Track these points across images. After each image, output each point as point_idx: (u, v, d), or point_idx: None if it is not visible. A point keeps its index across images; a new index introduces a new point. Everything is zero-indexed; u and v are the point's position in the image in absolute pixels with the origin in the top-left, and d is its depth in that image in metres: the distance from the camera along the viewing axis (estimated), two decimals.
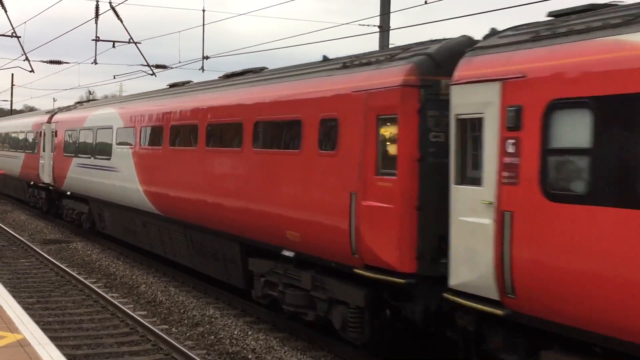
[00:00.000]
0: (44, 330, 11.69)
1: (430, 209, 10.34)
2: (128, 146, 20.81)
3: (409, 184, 10.43)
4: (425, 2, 17.43)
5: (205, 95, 16.82)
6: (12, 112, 70.06)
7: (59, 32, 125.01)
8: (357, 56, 12.54)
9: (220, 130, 15.70)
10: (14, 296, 14.11)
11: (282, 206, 13.08)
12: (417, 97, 10.43)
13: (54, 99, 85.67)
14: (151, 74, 29.68)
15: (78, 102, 31.40)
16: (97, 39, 28.31)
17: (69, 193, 27.14)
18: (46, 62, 34.01)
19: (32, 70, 32.40)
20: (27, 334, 10.55)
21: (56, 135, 28.74)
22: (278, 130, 13.65)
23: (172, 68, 29.99)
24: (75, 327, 14.57)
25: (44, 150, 30.43)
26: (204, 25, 28.03)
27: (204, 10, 28.16)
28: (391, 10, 22.00)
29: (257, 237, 14.05)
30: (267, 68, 16.25)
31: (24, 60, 31.59)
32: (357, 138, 11.25)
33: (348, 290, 11.64)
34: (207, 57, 27.60)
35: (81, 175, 25.23)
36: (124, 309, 15.44)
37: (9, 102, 74.40)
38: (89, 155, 24.33)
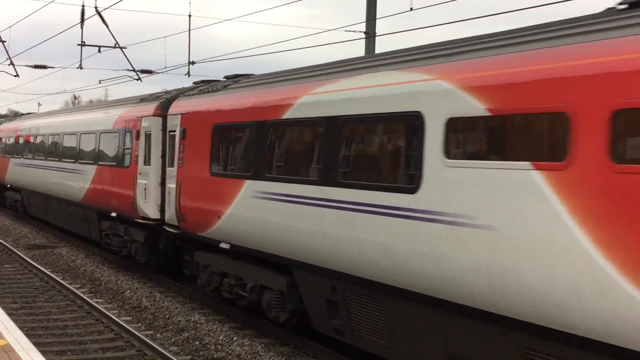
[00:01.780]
0: (28, 335, 11.64)
1: None
2: (521, 164, 7.88)
3: None
4: (411, 9, 17.52)
5: None
6: None
7: (44, 36, 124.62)
8: None
9: None
10: None
11: None
12: None
13: (38, 103, 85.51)
14: (137, 79, 29.71)
15: (203, 82, 18.88)
16: (82, 44, 28.28)
17: (226, 246, 14.64)
18: (31, 66, 33.87)
19: (17, 75, 32.35)
20: (11, 340, 10.51)
21: (184, 137, 16.62)
22: None
23: (157, 73, 30.02)
24: (60, 333, 14.52)
25: (146, 164, 18.86)
26: (189, 30, 28.05)
27: (190, 16, 28.20)
28: (377, 16, 22.09)
29: None
30: None
31: (9, 65, 31.57)
32: None
33: None
34: (193, 62, 27.65)
35: (274, 217, 12.77)
36: (109, 314, 15.40)
37: None
38: (312, 179, 11.69)
